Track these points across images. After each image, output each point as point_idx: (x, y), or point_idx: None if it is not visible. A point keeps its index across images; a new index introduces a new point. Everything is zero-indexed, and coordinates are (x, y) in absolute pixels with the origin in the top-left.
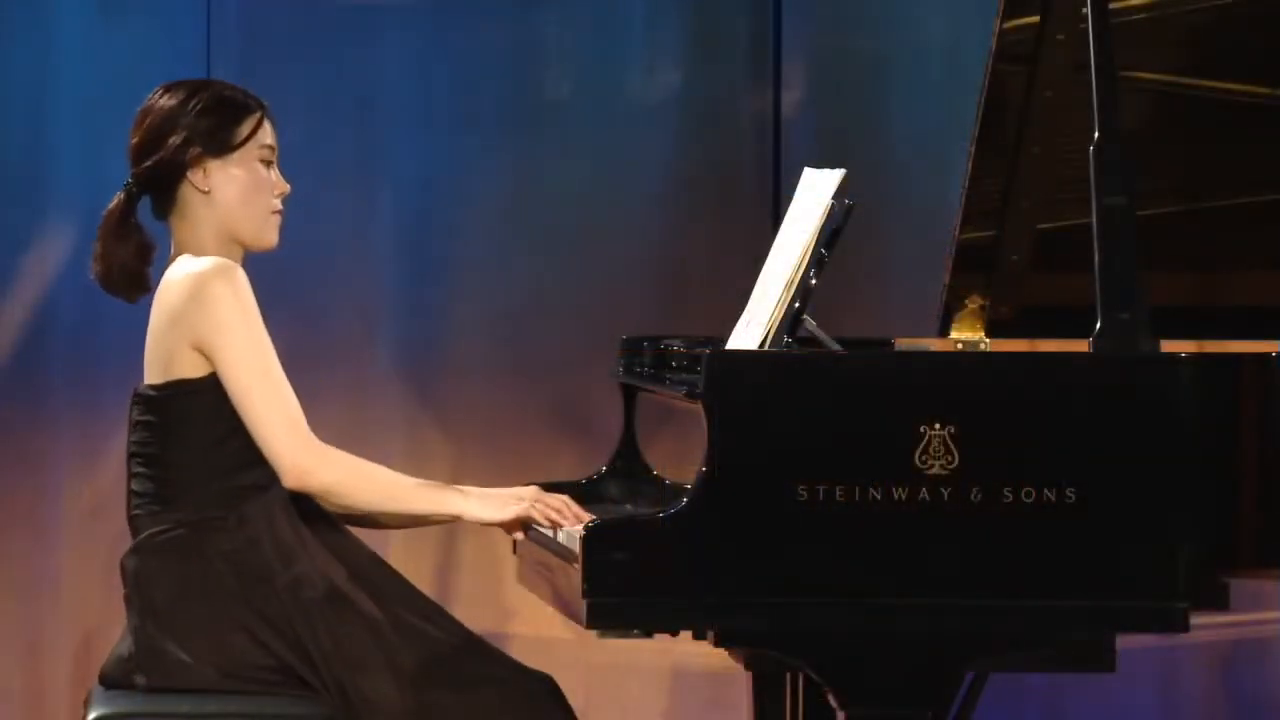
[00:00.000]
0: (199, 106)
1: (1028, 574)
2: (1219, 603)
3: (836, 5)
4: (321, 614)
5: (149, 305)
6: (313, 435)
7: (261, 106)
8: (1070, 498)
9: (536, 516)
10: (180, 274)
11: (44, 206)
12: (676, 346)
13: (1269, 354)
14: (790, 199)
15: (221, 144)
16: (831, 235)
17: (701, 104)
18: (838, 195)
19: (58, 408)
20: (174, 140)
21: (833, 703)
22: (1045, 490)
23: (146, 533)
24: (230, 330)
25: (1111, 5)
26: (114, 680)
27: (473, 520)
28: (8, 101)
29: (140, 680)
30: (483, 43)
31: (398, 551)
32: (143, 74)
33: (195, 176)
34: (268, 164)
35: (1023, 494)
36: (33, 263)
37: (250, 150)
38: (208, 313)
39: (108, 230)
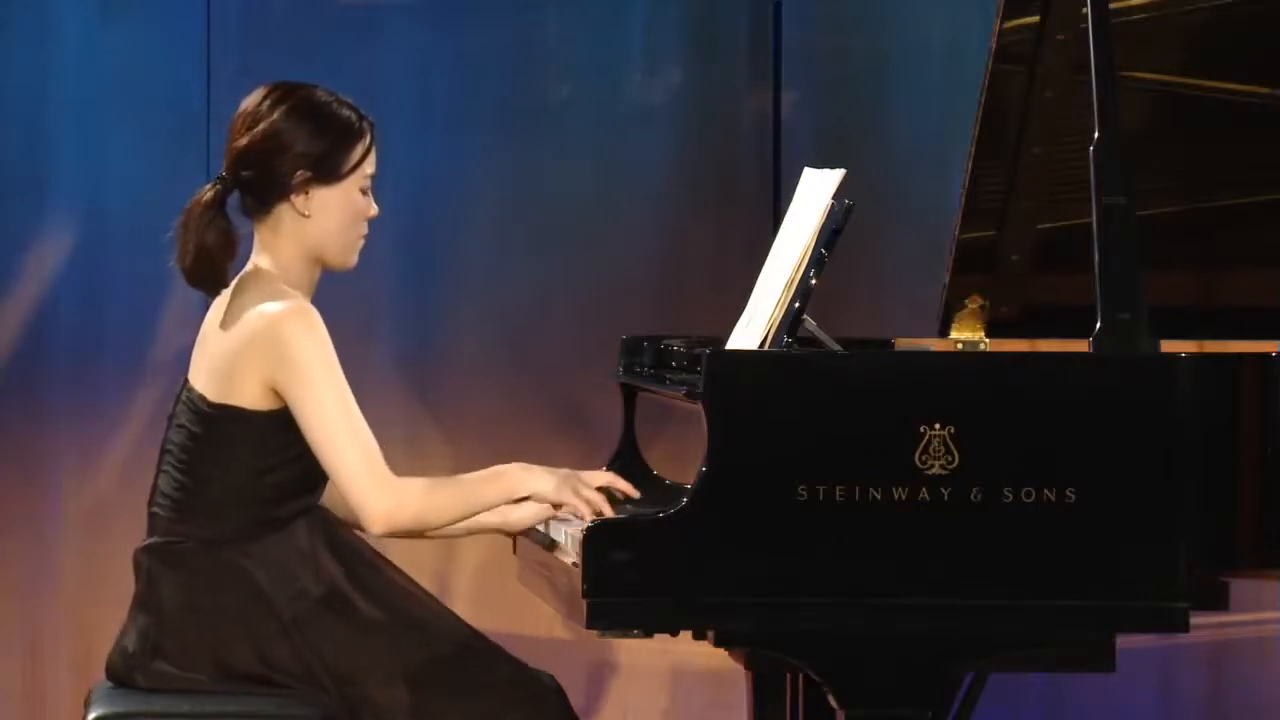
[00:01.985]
0: (315, 128)
1: (1028, 574)
2: (1219, 603)
3: (836, 5)
4: (325, 620)
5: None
6: (390, 474)
7: (371, 128)
8: (1070, 498)
9: (579, 505)
10: (259, 313)
11: (43, 206)
12: (676, 346)
13: (1269, 354)
14: (790, 199)
15: (330, 171)
16: (831, 235)
17: (701, 104)
18: (837, 195)
19: (58, 408)
20: (283, 161)
21: (833, 703)
22: (1045, 490)
23: (162, 537)
24: (310, 378)
25: (1111, 5)
26: (118, 675)
27: (542, 498)
28: (8, 101)
29: (140, 681)
30: (483, 43)
31: (398, 551)
32: (143, 74)
33: (298, 200)
34: (365, 191)
35: (1023, 494)
36: (33, 263)
37: (355, 179)
38: (287, 358)
39: (199, 219)
